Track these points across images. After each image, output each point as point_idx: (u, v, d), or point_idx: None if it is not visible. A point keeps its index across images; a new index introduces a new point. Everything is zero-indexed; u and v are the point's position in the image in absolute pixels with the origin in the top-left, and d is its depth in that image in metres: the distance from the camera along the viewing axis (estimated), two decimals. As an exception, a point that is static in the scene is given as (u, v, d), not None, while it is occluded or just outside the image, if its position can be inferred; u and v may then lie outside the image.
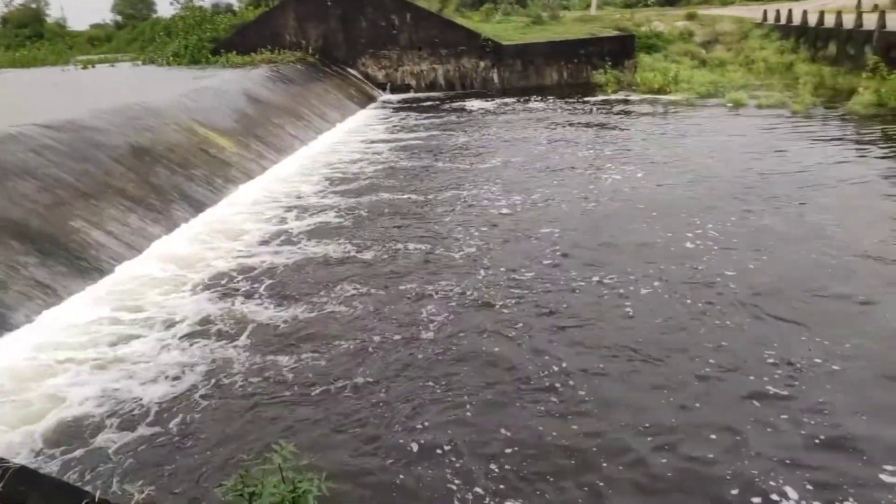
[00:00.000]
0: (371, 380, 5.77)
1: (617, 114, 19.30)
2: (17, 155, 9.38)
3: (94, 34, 53.09)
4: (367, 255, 8.81)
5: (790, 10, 26.12)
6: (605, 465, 4.55)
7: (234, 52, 26.59)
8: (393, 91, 27.36)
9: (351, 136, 18.72)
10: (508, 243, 8.98)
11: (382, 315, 7.01)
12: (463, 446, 4.82)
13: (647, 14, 33.05)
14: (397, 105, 24.61)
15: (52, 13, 60.11)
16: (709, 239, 8.57)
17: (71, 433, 5.16)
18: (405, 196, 11.75)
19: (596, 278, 7.56)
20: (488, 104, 23.02)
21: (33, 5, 55.35)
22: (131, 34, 43.72)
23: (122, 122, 12.23)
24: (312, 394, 5.61)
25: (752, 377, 5.44)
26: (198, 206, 10.91)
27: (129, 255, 8.62)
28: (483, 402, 5.35)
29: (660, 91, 22.25)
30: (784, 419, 4.88)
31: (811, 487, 4.22)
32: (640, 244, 8.59)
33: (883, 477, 4.27)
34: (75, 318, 6.91)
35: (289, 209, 11.28)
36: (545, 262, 8.16)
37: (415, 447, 4.85)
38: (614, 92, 23.30)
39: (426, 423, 5.11)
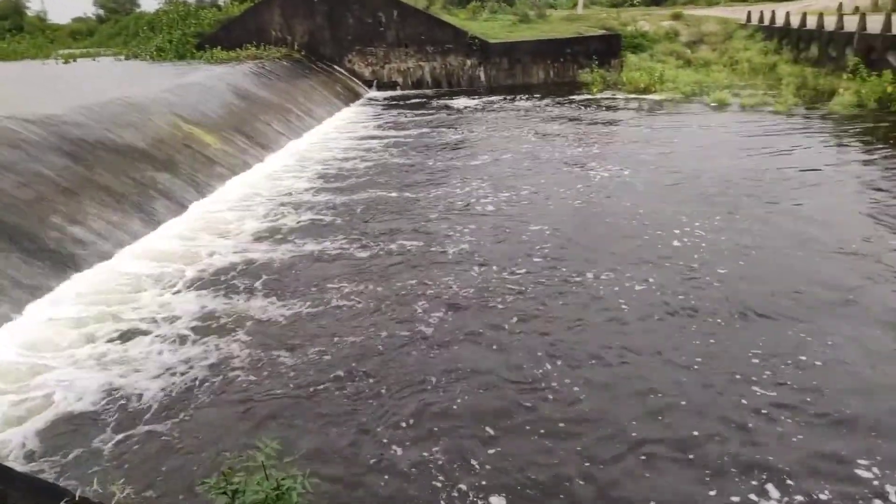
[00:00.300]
0: (359, 378, 5.76)
1: (603, 113, 19.39)
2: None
3: (76, 28, 52.37)
4: (357, 252, 8.78)
5: (773, 12, 26.42)
6: (600, 457, 4.59)
7: (220, 48, 26.35)
8: (380, 88, 27.28)
9: (338, 132, 18.63)
10: (499, 240, 9.00)
11: (373, 312, 6.99)
12: (451, 445, 4.83)
13: (634, 13, 33.25)
14: (384, 102, 24.54)
15: (33, 6, 59.16)
16: (695, 237, 8.66)
17: (52, 431, 5.09)
18: (393, 193, 11.73)
19: (587, 275, 7.61)
20: (475, 102, 23.03)
21: (13, -2, 54.48)
22: (114, 28, 43.16)
23: (104, 118, 12.06)
24: (299, 391, 5.59)
25: (739, 371, 5.51)
26: (182, 203, 10.80)
27: (112, 251, 8.52)
28: (473, 399, 5.36)
29: (645, 90, 22.39)
30: (774, 409, 4.95)
31: (796, 474, 4.29)
32: (628, 241, 8.66)
33: (864, 470, 4.35)
34: (54, 315, 6.82)
35: (274, 206, 11.20)
36: (536, 259, 8.20)
37: (402, 445, 4.85)
38: (600, 91, 23.42)
39: (414, 421, 5.11)
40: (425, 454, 4.72)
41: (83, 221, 8.79)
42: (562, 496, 4.27)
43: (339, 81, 26.03)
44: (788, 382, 5.33)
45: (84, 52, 36.53)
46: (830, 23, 22.05)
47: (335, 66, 27.29)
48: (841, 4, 24.38)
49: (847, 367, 5.54)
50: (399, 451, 4.77)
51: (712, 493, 4.22)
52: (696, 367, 5.65)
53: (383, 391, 5.52)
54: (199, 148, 13.32)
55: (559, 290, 7.28)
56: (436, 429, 5.00)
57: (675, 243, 8.45)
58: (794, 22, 24.42)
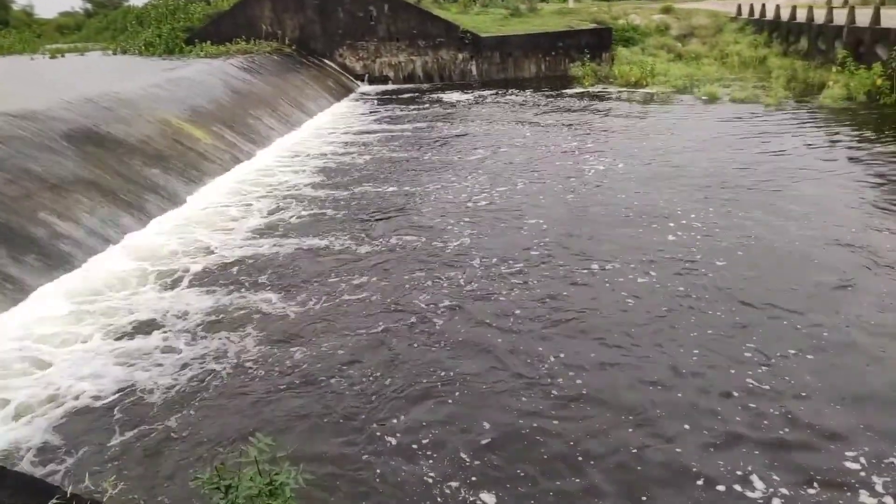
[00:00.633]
0: (354, 372, 5.76)
1: (596, 106, 19.41)
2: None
3: (63, 22, 51.78)
4: (352, 247, 8.77)
5: (763, 5, 26.49)
6: (597, 449, 4.62)
7: (209, 42, 26.12)
8: (371, 82, 27.17)
9: (329, 127, 18.55)
10: (497, 234, 9.03)
11: (372, 305, 7.00)
12: (445, 437, 4.84)
13: (625, 7, 33.23)
14: (375, 97, 24.44)
15: (19, 0, 58.39)
16: (690, 228, 8.72)
17: (43, 428, 5.06)
18: (386, 187, 11.70)
19: (584, 268, 7.66)
20: (467, 96, 22.98)
21: (-1, -9, 53.78)
22: (102, 23, 42.68)
23: (92, 113, 11.96)
24: (293, 386, 5.58)
25: (733, 361, 5.56)
26: (172, 199, 10.74)
27: (101, 248, 8.46)
28: (470, 391, 5.38)
29: (637, 84, 22.42)
30: (766, 402, 5.00)
31: (787, 464, 4.33)
32: (624, 233, 8.72)
33: (853, 462, 4.40)
34: (43, 312, 6.77)
35: (265, 201, 11.16)
36: (534, 252, 8.23)
37: (396, 438, 4.86)
38: (592, 85, 23.43)
39: (410, 414, 5.12)
40: (417, 443, 4.74)
41: (72, 218, 8.72)
42: (562, 479, 4.30)
43: (330, 76, 25.90)
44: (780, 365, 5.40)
45: (72, 47, 36.11)
46: (820, 16, 22.14)
47: (326, 61, 27.14)
48: (830, -2, 24.48)
49: (841, 349, 5.60)
50: (398, 443, 4.78)
51: (716, 460, 4.26)
52: (693, 351, 5.69)
53: (386, 383, 5.53)
54: (190, 143, 13.23)
55: (559, 282, 7.32)
56: (432, 420, 5.02)
57: (670, 237, 8.49)
58: (784, 15, 24.50)
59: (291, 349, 6.17)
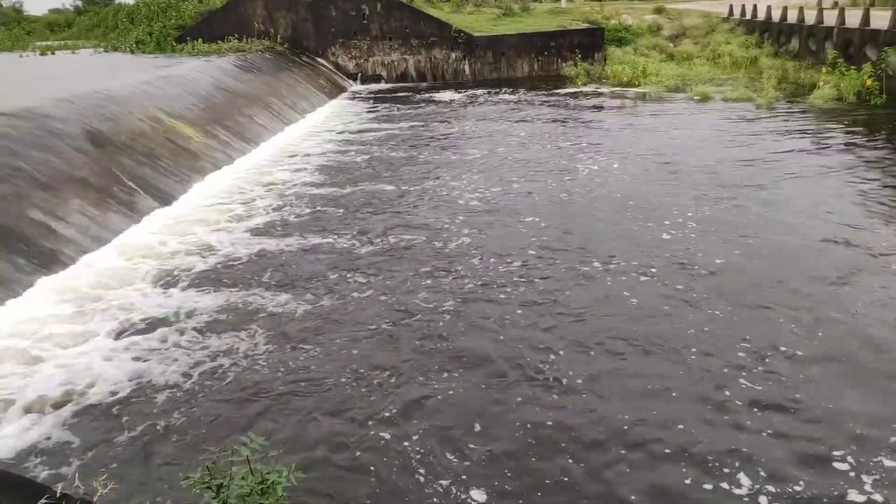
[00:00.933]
0: (349, 370, 5.76)
1: (589, 106, 19.46)
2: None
3: (53, 19, 51.29)
4: (348, 245, 8.76)
5: (755, 6, 26.64)
6: (597, 443, 4.64)
7: (201, 40, 25.98)
8: (364, 81, 27.11)
9: (322, 126, 18.50)
10: (495, 232, 9.04)
11: (370, 303, 6.99)
12: (445, 437, 4.85)
13: (617, 7, 33.33)
14: (368, 95, 24.40)
15: (8, -3, 57.78)
16: (685, 227, 8.79)
17: (32, 427, 5.03)
18: (380, 186, 11.69)
19: (583, 266, 7.71)
20: (461, 96, 22.98)
21: (-13, -12, 53.27)
22: (93, 20, 42.28)
23: (83, 111, 11.87)
24: (285, 384, 5.57)
25: (728, 357, 5.62)
26: (164, 197, 10.69)
27: (93, 247, 8.41)
28: (471, 391, 5.38)
29: (629, 84, 22.49)
30: (762, 395, 5.04)
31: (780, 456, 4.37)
32: (620, 232, 8.77)
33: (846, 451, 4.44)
34: (34, 311, 6.73)
35: (258, 199, 11.12)
36: (531, 251, 8.25)
37: (392, 437, 4.86)
38: (584, 84, 23.48)
39: (408, 413, 5.12)
40: (410, 442, 4.74)
41: (63, 217, 8.66)
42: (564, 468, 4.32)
43: (322, 75, 25.83)
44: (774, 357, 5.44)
45: (62, 44, 35.77)
46: (810, 17, 22.30)
47: (319, 60, 27.07)
48: (821, -1, 24.67)
49: (835, 340, 5.65)
50: (398, 437, 4.78)
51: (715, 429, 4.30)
52: (689, 347, 5.72)
53: (388, 380, 5.53)
54: (182, 142, 13.17)
55: (559, 280, 7.36)
56: (428, 419, 5.02)
57: (665, 236, 8.54)
58: (776, 16, 24.66)
59: (286, 347, 6.16)
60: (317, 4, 26.72)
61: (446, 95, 23.17)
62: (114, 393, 5.50)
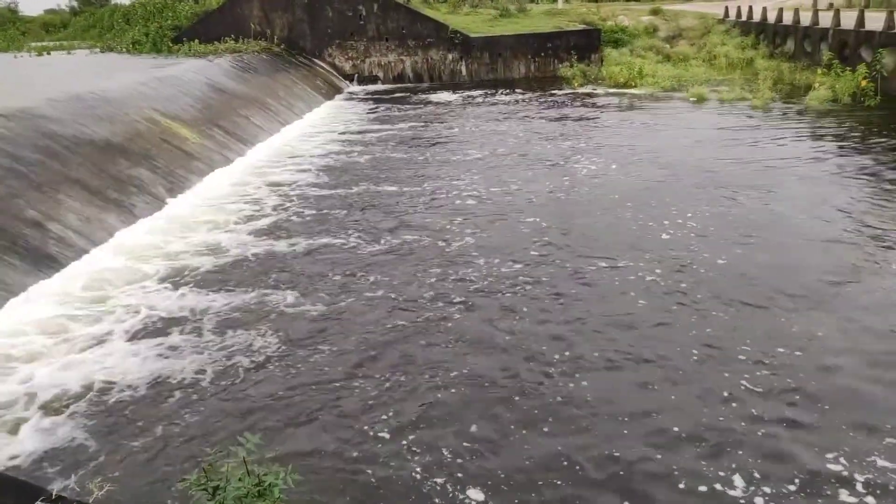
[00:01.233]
0: (348, 371, 5.74)
1: (585, 107, 19.49)
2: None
3: (49, 20, 51.11)
4: (348, 245, 8.75)
5: (751, 7, 26.71)
6: (599, 439, 4.64)
7: (197, 41, 25.92)
8: (360, 82, 27.09)
9: (318, 127, 18.48)
10: (496, 233, 9.04)
11: (371, 305, 6.98)
12: (444, 437, 4.84)
13: (613, 8, 33.38)
14: (365, 96, 24.38)
15: (3, -3, 57.56)
16: (684, 227, 8.83)
17: (28, 428, 5.01)
18: (377, 187, 11.68)
19: (583, 265, 7.75)
20: (457, 96, 22.98)
21: (-18, -12, 53.04)
22: (88, 21, 42.16)
23: (79, 111, 11.83)
24: (283, 385, 5.55)
25: (728, 357, 5.63)
26: (160, 198, 10.66)
27: (88, 247, 8.38)
28: (471, 392, 5.38)
29: (625, 85, 22.53)
30: (760, 393, 5.05)
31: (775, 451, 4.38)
32: (619, 232, 8.80)
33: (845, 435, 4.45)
34: (33, 311, 6.70)
35: (255, 201, 11.10)
36: (532, 252, 8.27)
37: (391, 437, 4.85)
38: (581, 85, 23.51)
39: (407, 413, 5.11)
40: (410, 442, 4.73)
41: (59, 218, 8.62)
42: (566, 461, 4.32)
43: (319, 75, 25.80)
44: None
45: (58, 45, 35.65)
46: (806, 18, 22.38)
47: (315, 60, 27.03)
48: (816, 0, 24.75)
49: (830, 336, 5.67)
50: (386, 437, 4.78)
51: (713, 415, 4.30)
52: (687, 345, 5.73)
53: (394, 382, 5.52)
54: (178, 143, 13.13)
55: (560, 279, 7.40)
56: (424, 420, 5.02)
57: (664, 236, 8.56)
58: (771, 17, 24.73)
59: (283, 347, 6.14)
60: (313, 5, 26.69)
61: (443, 96, 23.17)
62: (110, 392, 5.47)
